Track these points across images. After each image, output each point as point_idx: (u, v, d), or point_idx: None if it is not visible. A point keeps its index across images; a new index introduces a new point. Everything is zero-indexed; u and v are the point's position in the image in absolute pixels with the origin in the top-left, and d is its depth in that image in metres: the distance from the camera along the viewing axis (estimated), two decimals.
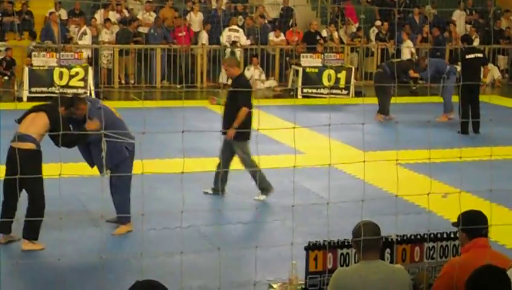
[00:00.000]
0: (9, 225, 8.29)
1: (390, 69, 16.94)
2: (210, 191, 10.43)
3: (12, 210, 8.21)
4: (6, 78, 19.00)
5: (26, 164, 7.59)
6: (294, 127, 5.17)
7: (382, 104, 16.82)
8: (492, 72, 22.04)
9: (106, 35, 20.81)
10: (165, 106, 17.47)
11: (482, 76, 17.35)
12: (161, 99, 19.20)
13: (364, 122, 5.69)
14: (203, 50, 21.30)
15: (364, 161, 6.01)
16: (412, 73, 17.46)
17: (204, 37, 21.58)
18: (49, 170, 8.28)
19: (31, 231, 8.22)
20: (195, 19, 22.30)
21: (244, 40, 21.43)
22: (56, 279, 7.50)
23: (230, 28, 21.36)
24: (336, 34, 22.76)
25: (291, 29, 22.37)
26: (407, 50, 21.85)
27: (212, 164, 11.16)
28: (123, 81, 20.82)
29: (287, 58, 21.71)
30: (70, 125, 8.72)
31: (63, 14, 21.56)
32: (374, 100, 17.29)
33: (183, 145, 5.71)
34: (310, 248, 5.67)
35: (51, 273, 7.69)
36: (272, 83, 21.39)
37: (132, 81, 20.93)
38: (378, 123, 16.19)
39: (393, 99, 16.98)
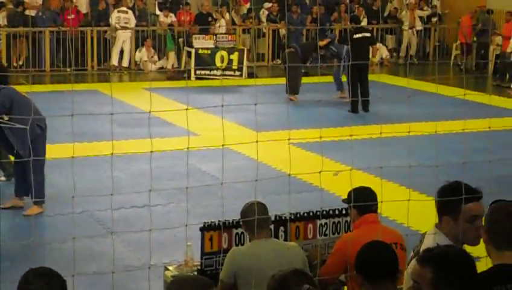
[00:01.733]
0: None
1: (301, 48, 17.11)
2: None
3: None
4: None
5: None
6: (187, 109, 5.15)
7: (294, 84, 16.90)
8: (381, 52, 22.52)
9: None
10: (54, 89, 17.16)
11: (370, 55, 17.69)
12: (51, 83, 18.84)
13: (256, 103, 5.72)
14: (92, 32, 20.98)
15: (257, 141, 6.03)
16: (321, 43, 17.38)
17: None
18: None
19: None
20: (82, 0, 21.93)
21: (134, 22, 21.21)
22: None
23: (119, 9, 21.11)
24: (227, 16, 22.77)
25: (182, 9, 22.26)
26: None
27: (102, 147, 11.03)
28: (15, 64, 20.33)
29: (179, 40, 21.61)
30: None
31: None
32: (267, 81, 17.44)
33: (73, 130, 5.58)
34: (205, 228, 5.70)
35: None
36: (163, 63, 21.27)
37: (21, 63, 20.44)
38: (272, 104, 16.31)
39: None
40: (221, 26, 21.71)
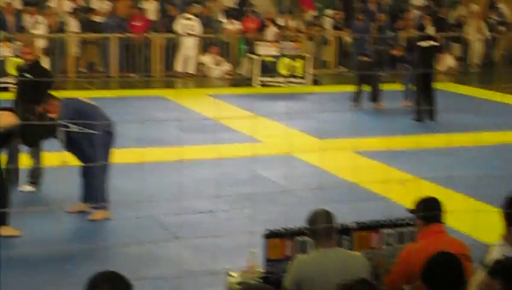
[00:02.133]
0: None
1: (375, 56, 17.01)
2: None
3: None
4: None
5: None
6: (252, 116, 5.14)
7: (377, 92, 16.74)
8: (447, 60, 22.26)
9: (72, 24, 20.61)
10: (120, 95, 17.36)
11: (436, 64, 17.49)
12: (117, 89, 19.08)
13: (322, 111, 5.70)
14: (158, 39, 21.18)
15: (322, 150, 6.01)
16: (396, 52, 17.22)
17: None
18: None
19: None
20: (150, 7, 22.16)
21: (199, 29, 21.35)
22: (14, 269, 7.44)
23: (184, 16, 21.26)
24: (291, 23, 22.77)
25: (248, 16, 22.33)
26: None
27: (166, 153, 11.11)
28: (82, 70, 20.67)
29: (246, 47, 21.66)
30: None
31: (17, 3, 21.26)
32: (331, 88, 17.38)
33: (139, 136, 5.63)
34: (269, 235, 5.68)
35: (9, 264, 7.61)
36: (226, 67, 21.32)
37: (85, 70, 20.76)
38: (336, 112, 16.20)
39: (352, 88, 17.04)
40: (269, 33, 21.63)
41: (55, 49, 20.26)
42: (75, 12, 20.96)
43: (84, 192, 9.17)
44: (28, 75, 9.59)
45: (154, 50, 21.15)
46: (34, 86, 9.27)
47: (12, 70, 18.00)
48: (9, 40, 18.82)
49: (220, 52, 21.33)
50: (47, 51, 19.57)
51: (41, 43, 19.32)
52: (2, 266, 7.60)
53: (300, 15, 23.56)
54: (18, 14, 20.61)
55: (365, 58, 17.15)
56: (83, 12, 21.23)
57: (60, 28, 20.88)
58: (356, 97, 16.65)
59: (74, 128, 8.62)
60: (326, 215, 5.15)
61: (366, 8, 24.02)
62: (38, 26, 20.06)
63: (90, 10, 21.40)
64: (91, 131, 8.70)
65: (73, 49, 20.42)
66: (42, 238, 8.31)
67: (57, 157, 9.65)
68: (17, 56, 18.03)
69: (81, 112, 8.74)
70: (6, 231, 8.26)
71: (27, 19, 20.39)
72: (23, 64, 10.04)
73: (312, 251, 5.47)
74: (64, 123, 8.51)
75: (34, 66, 9.83)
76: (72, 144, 8.78)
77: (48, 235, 8.45)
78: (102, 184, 8.93)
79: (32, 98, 9.05)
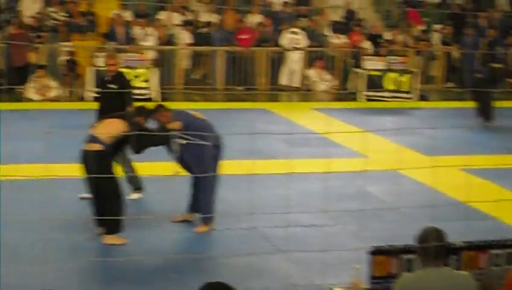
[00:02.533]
0: (98, 222, 8.48)
1: (490, 73, 16.65)
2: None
3: (95, 209, 8.45)
4: (70, 78, 19.23)
5: (93, 165, 7.71)
6: (359, 131, 5.08)
7: (489, 109, 16.39)
8: None
9: (182, 36, 20.98)
10: (226, 107, 17.52)
11: None
12: (223, 101, 19.26)
13: (432, 127, 5.60)
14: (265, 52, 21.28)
15: (429, 166, 5.89)
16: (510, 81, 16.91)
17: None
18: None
19: (112, 227, 8.40)
20: (253, 21, 22.32)
21: (305, 43, 21.36)
22: (122, 277, 7.57)
23: (290, 30, 21.29)
24: (399, 37, 22.54)
25: (354, 30, 22.22)
26: None
27: (275, 166, 11.10)
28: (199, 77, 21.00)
29: (352, 61, 21.55)
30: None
31: (128, 15, 21.76)
32: (438, 104, 17.09)
33: (244, 148, 5.64)
34: (375, 252, 5.60)
35: (116, 272, 7.76)
36: (331, 81, 21.24)
37: (199, 78, 21.05)
38: (447, 129, 15.90)
39: (460, 104, 16.70)
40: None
41: (164, 60, 20.64)
42: (184, 25, 21.30)
43: (192, 203, 9.26)
44: (112, 86, 9.70)
45: (259, 63, 21.28)
46: (118, 97, 9.42)
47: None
48: (119, 51, 19.25)
49: (326, 66, 21.28)
50: (156, 63, 19.95)
51: (150, 55, 19.70)
52: (110, 274, 7.75)
53: (408, 29, 23.30)
54: (128, 25, 21.09)
55: (479, 75, 16.80)
56: (191, 25, 21.55)
57: (169, 40, 21.26)
58: (480, 113, 16.25)
59: (185, 139, 8.73)
60: (438, 234, 5.03)
61: (476, 23, 23.55)
62: (148, 38, 20.46)
63: (199, 23, 21.72)
64: (202, 142, 8.79)
65: (182, 61, 20.74)
66: (148, 247, 8.43)
67: (163, 168, 9.78)
68: (127, 67, 18.48)
69: (190, 124, 8.84)
70: (112, 239, 8.42)
71: (137, 31, 20.84)
72: (106, 76, 10.10)
73: (418, 270, 5.36)
74: (179, 135, 8.64)
75: (117, 77, 9.93)
76: (182, 155, 8.88)
77: (153, 244, 8.57)
78: (211, 197, 8.99)
79: (117, 109, 9.21)
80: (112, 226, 8.37)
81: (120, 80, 9.97)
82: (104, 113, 9.45)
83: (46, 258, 7.61)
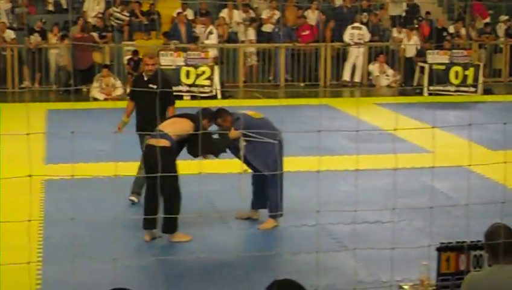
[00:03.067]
0: (154, 220, 8.48)
1: None
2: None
3: (154, 206, 8.43)
4: (134, 77, 19.44)
5: (157, 161, 7.72)
6: (422, 126, 5.03)
7: None
8: None
9: (249, 33, 21.11)
10: (288, 104, 17.52)
11: None
12: (285, 97, 19.27)
13: (506, 122, 5.54)
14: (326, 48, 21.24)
15: (495, 161, 5.81)
16: None
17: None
18: (182, 167, 8.49)
19: (171, 225, 8.45)
20: (312, 16, 22.27)
21: (368, 37, 21.25)
22: (188, 274, 7.64)
23: (353, 25, 21.21)
24: (463, 31, 22.27)
25: (418, 24, 22.04)
26: None
27: (338, 162, 11.06)
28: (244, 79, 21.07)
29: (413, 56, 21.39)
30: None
31: (190, 14, 21.93)
32: (503, 98, 16.78)
33: (315, 144, 5.64)
34: (442, 249, 5.55)
35: (182, 269, 7.83)
36: (393, 76, 21.08)
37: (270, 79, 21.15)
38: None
39: None
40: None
41: (226, 58, 20.76)
42: (246, 22, 21.38)
43: (256, 200, 9.29)
44: (152, 86, 9.56)
45: (321, 59, 21.24)
46: (160, 96, 9.22)
47: (185, 79, 18.63)
48: (182, 49, 19.43)
49: (388, 61, 21.15)
50: (218, 60, 20.07)
51: (212, 53, 19.82)
52: (176, 271, 7.83)
53: (473, 22, 22.99)
54: (189, 24, 21.25)
55: None
56: (253, 22, 21.62)
57: (231, 37, 21.36)
58: None
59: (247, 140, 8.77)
60: (507, 230, 4.96)
61: None
62: (210, 36, 20.59)
63: (260, 20, 21.78)
64: (266, 139, 8.81)
65: (249, 58, 20.82)
66: (213, 244, 8.49)
67: (228, 165, 9.84)
68: (188, 65, 18.63)
69: (251, 125, 8.83)
70: (178, 237, 8.49)
71: (199, 29, 21.00)
72: (145, 76, 9.83)
73: (487, 267, 5.30)
74: (244, 135, 8.66)
75: (157, 77, 9.76)
76: (246, 154, 8.91)
77: (219, 241, 8.63)
78: (276, 193, 8.99)
79: (159, 109, 9.12)
80: (175, 224, 8.44)
81: (162, 80, 9.92)
82: (145, 113, 9.48)
83: (114, 255, 7.73)
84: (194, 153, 8.51)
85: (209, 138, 8.67)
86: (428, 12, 22.68)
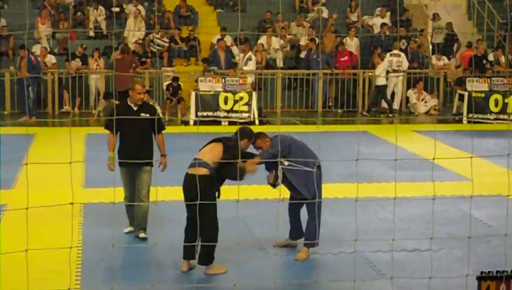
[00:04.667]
0: (194, 250, 8.34)
1: None
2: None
3: (194, 236, 8.30)
4: (173, 102, 19.62)
5: (198, 190, 7.64)
6: (471, 157, 5.01)
7: None
8: None
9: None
10: (326, 130, 17.52)
11: None
12: (322, 124, 19.28)
13: None
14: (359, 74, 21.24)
15: None
16: None
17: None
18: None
19: (207, 257, 8.31)
20: (351, 43, 22.30)
21: (406, 65, 21.22)
22: None
23: (391, 52, 21.20)
24: (503, 58, 22.14)
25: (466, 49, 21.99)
26: None
27: (377, 189, 10.98)
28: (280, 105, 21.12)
29: (451, 82, 21.31)
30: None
31: (228, 40, 22.08)
32: None
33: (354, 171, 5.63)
34: (483, 278, 5.51)
35: None
36: (433, 102, 21.01)
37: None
38: None
39: None
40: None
41: (264, 84, 20.85)
42: (283, 49, 21.50)
43: (294, 230, 9.22)
44: (145, 115, 9.43)
45: (359, 85, 21.24)
46: (144, 125, 9.30)
47: (223, 105, 18.72)
48: (221, 75, 19.55)
49: (427, 88, 21.09)
50: (256, 86, 20.16)
51: (251, 79, 19.92)
52: None
53: None
54: (229, 50, 21.40)
55: None
56: (290, 49, 21.73)
57: (269, 63, 21.47)
58: None
59: (286, 163, 8.71)
60: None
61: None
62: (248, 63, 20.71)
63: (298, 47, 21.87)
64: (306, 168, 8.76)
65: (280, 84, 20.89)
66: (250, 271, 8.47)
67: (267, 191, 9.83)
68: (226, 91, 18.73)
69: (292, 148, 8.79)
70: (214, 269, 8.36)
71: (238, 55, 21.14)
72: (134, 105, 9.48)
73: None
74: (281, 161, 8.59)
75: (144, 105, 9.62)
76: (285, 180, 8.86)
77: (256, 268, 8.61)
78: (315, 222, 8.94)
79: (149, 137, 9.35)
80: (211, 256, 8.32)
81: (150, 108, 9.80)
82: (134, 143, 9.31)
83: (152, 281, 7.78)
84: (231, 177, 8.39)
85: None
86: (470, 42, 22.58)
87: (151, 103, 18.26)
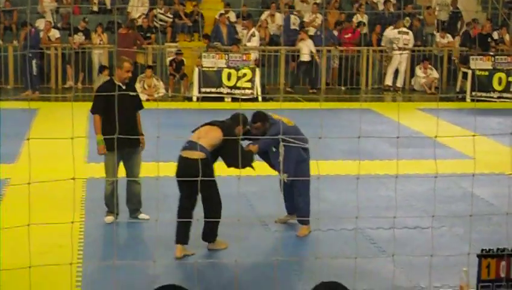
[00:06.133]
0: (188, 235, 8.26)
1: None
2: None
3: (190, 219, 8.21)
4: (176, 78, 19.59)
5: (195, 174, 7.36)
6: (474, 135, 5.01)
7: None
8: None
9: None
10: (330, 107, 17.50)
11: None
12: (326, 101, 19.25)
13: None
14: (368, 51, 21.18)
15: None
16: None
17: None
18: (217, 169, 8.49)
19: (211, 233, 8.35)
20: (363, 20, 22.22)
21: (412, 43, 21.16)
22: (225, 276, 7.67)
23: (399, 30, 21.03)
24: (507, 37, 22.06)
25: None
26: None
27: (378, 167, 10.99)
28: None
29: (455, 60, 21.25)
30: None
31: (232, 16, 22.01)
32: None
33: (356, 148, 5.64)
34: (483, 255, 5.53)
35: (222, 272, 7.86)
36: (434, 74, 20.91)
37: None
38: None
39: None
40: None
41: (268, 61, 20.80)
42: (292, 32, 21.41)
43: (290, 205, 9.26)
44: (132, 93, 9.26)
45: (363, 63, 21.18)
46: (133, 104, 9.17)
47: (227, 82, 18.69)
48: (224, 51, 19.50)
49: (432, 66, 21.03)
50: (259, 63, 20.11)
51: (254, 55, 19.86)
52: (214, 272, 7.87)
53: None
54: (232, 26, 21.33)
55: None
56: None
57: (272, 39, 21.41)
58: None
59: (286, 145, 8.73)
60: None
61: None
62: (252, 39, 20.65)
63: (302, 23, 21.79)
64: (301, 144, 8.80)
65: (283, 61, 20.84)
66: (251, 247, 8.51)
67: (268, 168, 9.85)
68: (230, 67, 18.69)
69: (285, 132, 8.70)
70: (217, 244, 8.41)
71: (241, 32, 21.07)
72: (122, 84, 9.17)
73: None
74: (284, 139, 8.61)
75: (130, 84, 9.56)
76: (275, 161, 8.87)
77: (257, 244, 8.64)
78: (306, 200, 8.97)
79: (132, 115, 9.18)
80: (215, 233, 8.36)
81: (133, 86, 9.69)
82: (124, 122, 8.64)
83: (154, 256, 7.81)
84: (235, 166, 8.29)
85: (241, 148, 8.35)
86: (475, 19, 22.47)
87: (154, 79, 18.61)
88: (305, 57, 20.14)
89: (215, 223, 8.25)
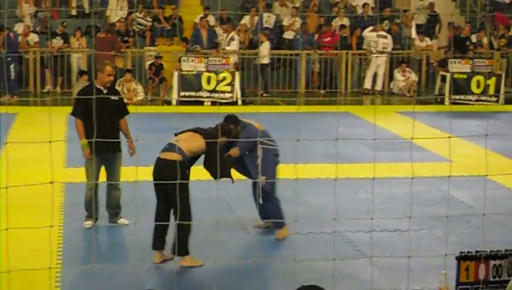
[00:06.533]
0: (164, 240, 8.11)
1: None
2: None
3: (165, 225, 8.05)
4: (155, 82, 19.54)
5: (170, 176, 7.40)
6: (449, 137, 5.04)
7: None
8: None
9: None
10: (309, 110, 17.53)
11: None
12: (305, 104, 19.29)
13: None
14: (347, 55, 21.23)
15: None
16: None
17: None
18: (198, 173, 8.47)
19: (181, 247, 7.99)
20: (337, 23, 22.27)
21: (391, 47, 21.24)
22: (204, 279, 7.66)
23: (378, 33, 21.10)
24: (485, 40, 22.20)
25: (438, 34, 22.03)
26: None
27: (353, 169, 11.02)
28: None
29: (434, 63, 21.36)
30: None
31: (211, 20, 22.00)
32: None
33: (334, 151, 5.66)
34: (462, 258, 5.55)
35: (201, 276, 7.84)
36: (413, 77, 21.01)
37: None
38: None
39: None
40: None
41: (247, 65, 20.80)
42: (265, 30, 21.42)
43: (261, 210, 9.23)
44: (114, 98, 9.17)
45: (342, 66, 21.23)
46: (115, 108, 9.10)
47: (206, 85, 18.68)
48: (203, 55, 19.48)
49: (410, 69, 21.12)
50: (239, 67, 20.11)
51: (234, 59, 19.85)
52: (193, 276, 7.85)
53: (495, 32, 22.92)
54: (211, 30, 21.32)
55: None
56: (273, 30, 21.66)
57: (252, 43, 21.41)
58: None
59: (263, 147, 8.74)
60: None
61: None
62: (231, 43, 20.64)
63: (281, 27, 21.81)
64: (276, 147, 8.84)
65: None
66: (230, 250, 8.50)
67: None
68: (209, 71, 18.67)
69: (256, 136, 8.68)
70: (189, 261, 8.05)
71: (221, 35, 21.06)
72: (104, 88, 9.10)
73: (507, 276, 5.29)
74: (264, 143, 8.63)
75: (112, 88, 9.49)
76: (243, 166, 8.88)
77: (236, 247, 8.64)
78: (274, 204, 8.95)
79: (116, 120, 9.10)
80: (186, 246, 8.00)
81: (116, 90, 9.64)
82: (106, 127, 8.65)
83: (132, 260, 7.79)
84: (213, 176, 8.18)
85: (224, 159, 8.26)
86: (451, 23, 22.59)
87: (133, 83, 18.56)
88: (265, 60, 20.13)
89: (184, 235, 7.93)
